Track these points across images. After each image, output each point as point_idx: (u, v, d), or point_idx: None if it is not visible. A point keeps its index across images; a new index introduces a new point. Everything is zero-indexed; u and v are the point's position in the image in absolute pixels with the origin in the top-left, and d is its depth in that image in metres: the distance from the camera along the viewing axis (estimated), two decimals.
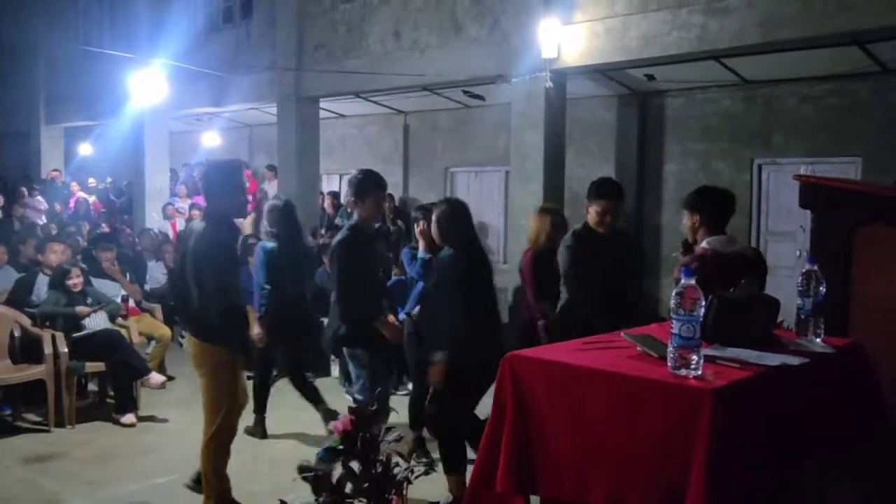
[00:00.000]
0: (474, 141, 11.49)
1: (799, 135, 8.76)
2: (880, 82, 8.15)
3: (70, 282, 5.98)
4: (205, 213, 3.77)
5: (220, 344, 3.66)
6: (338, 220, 11.80)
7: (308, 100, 10.99)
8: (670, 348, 2.17)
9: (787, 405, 2.28)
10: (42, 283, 6.32)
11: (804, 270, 2.70)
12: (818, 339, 2.64)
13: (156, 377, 5.88)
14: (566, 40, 7.99)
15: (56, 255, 6.48)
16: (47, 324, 5.81)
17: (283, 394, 6.66)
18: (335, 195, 12.78)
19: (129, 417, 5.64)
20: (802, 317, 2.68)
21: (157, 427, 5.66)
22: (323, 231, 11.01)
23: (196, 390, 6.60)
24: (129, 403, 5.75)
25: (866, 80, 8.20)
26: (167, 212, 11.97)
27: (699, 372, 2.13)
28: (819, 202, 3.45)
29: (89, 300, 6.16)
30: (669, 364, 2.16)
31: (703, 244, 3.48)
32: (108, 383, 6.09)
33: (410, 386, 6.59)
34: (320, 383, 6.95)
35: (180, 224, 11.65)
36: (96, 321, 5.97)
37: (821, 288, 2.66)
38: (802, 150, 8.74)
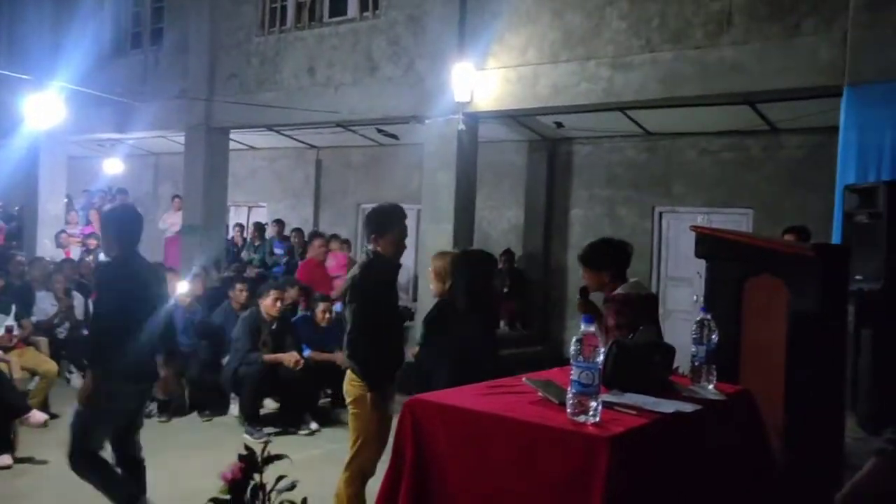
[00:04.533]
0: (387, 179, 11.52)
1: (697, 185, 9.22)
2: (770, 140, 8.71)
3: None
4: (368, 251, 4.02)
5: (362, 378, 3.82)
6: (244, 254, 11.53)
7: (218, 130, 10.76)
8: (570, 395, 2.18)
9: (682, 452, 2.33)
10: None
11: (698, 319, 2.80)
12: (710, 386, 2.73)
13: (37, 415, 5.48)
14: (479, 85, 8.16)
15: None
16: None
17: (180, 432, 6.37)
18: (243, 228, 12.51)
19: (3, 459, 5.22)
20: (696, 364, 2.77)
21: (34, 469, 5.27)
22: (226, 264, 10.72)
23: None
24: (4, 444, 5.33)
25: (758, 138, 8.74)
26: (60, 239, 11.36)
27: (597, 419, 2.15)
28: (713, 252, 3.61)
29: None
30: (568, 410, 2.18)
31: (620, 290, 3.59)
32: None
33: (313, 425, 6.45)
34: (218, 422, 6.72)
35: (74, 253, 11.08)
36: None
37: (713, 336, 2.76)
38: (700, 200, 9.19)
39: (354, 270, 3.98)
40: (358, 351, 3.84)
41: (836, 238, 5.72)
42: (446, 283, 4.81)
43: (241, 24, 10.47)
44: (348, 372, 3.95)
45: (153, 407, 6.84)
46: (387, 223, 3.95)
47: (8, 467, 5.21)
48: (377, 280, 3.91)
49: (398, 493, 2.30)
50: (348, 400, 3.94)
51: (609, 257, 3.72)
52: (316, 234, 9.50)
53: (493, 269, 4.43)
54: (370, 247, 3.99)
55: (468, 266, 4.22)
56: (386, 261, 3.98)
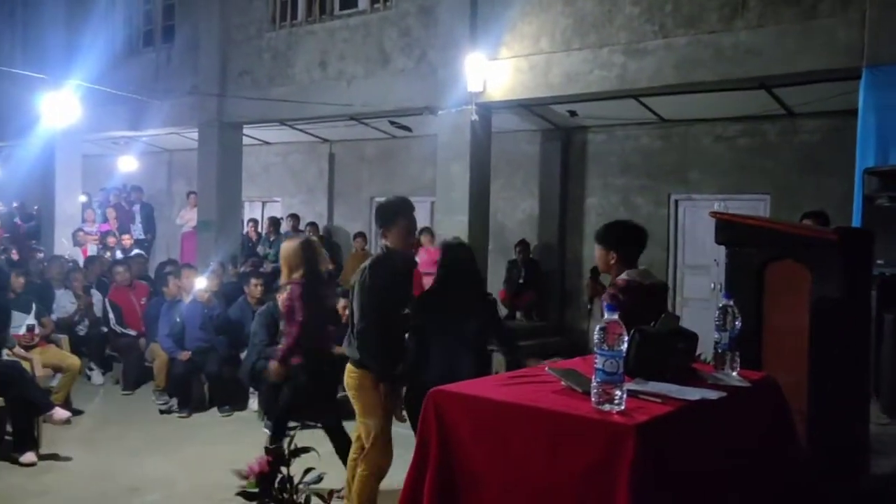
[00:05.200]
0: (400, 171, 11.50)
1: (712, 172, 9.13)
2: (787, 124, 8.61)
3: None
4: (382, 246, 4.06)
5: (363, 368, 3.85)
6: (259, 248, 11.58)
7: (231, 126, 10.79)
8: (594, 383, 2.17)
9: (707, 439, 2.31)
10: None
11: (720, 305, 2.77)
12: (734, 373, 2.70)
13: (60, 413, 5.53)
14: (492, 75, 8.12)
15: None
16: None
17: (200, 427, 6.41)
18: (257, 223, 12.55)
19: (28, 456, 5.29)
20: (719, 351, 2.74)
21: (58, 466, 5.33)
22: (242, 259, 10.76)
23: (102, 427, 6.31)
24: (29, 441, 5.39)
25: (774, 123, 8.64)
26: (77, 238, 11.45)
27: (622, 407, 2.13)
28: (733, 238, 3.57)
29: None
30: (593, 399, 2.16)
31: (624, 276, 3.54)
32: (7, 420, 5.70)
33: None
34: (238, 417, 6.76)
35: (91, 250, 11.17)
36: None
37: (736, 322, 2.73)
38: (716, 187, 9.11)
39: (366, 263, 3.99)
40: (368, 344, 3.83)
41: (856, 222, 5.66)
42: (294, 271, 4.81)
43: (252, 20, 10.48)
44: (348, 365, 3.97)
45: (173, 402, 6.91)
46: (393, 216, 3.96)
47: (33, 464, 5.27)
48: (388, 274, 3.90)
49: (423, 482, 2.30)
50: (350, 393, 3.94)
51: (619, 237, 3.68)
52: None
53: (470, 255, 4.40)
54: (383, 241, 4.01)
55: (447, 255, 4.24)
56: (398, 255, 3.98)
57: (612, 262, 3.63)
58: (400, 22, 9.09)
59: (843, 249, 3.24)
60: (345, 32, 9.57)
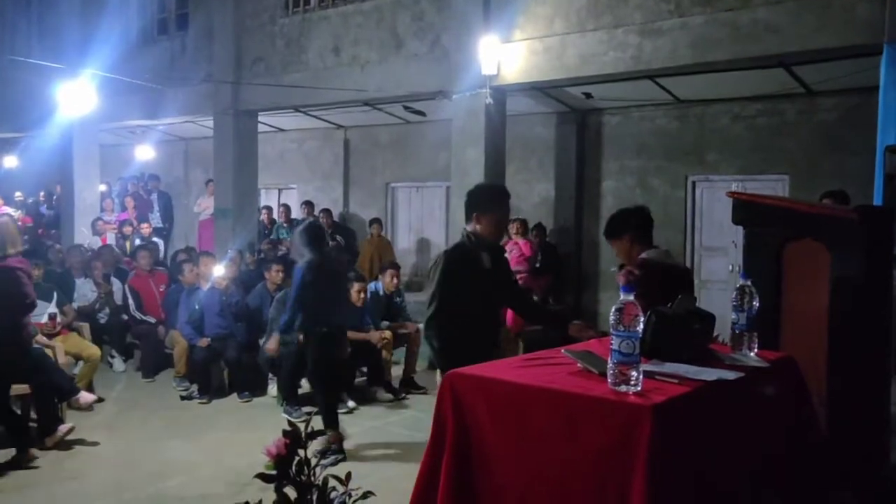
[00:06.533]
0: (415, 156, 11.49)
1: (730, 152, 9.04)
2: (806, 103, 8.49)
3: None
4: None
5: (435, 360, 3.81)
6: (274, 237, 11.64)
7: (246, 113, 10.81)
8: (610, 364, 2.17)
9: (725, 420, 2.31)
10: None
11: (738, 285, 2.75)
12: (752, 354, 2.69)
13: (86, 396, 5.68)
14: (506, 58, 8.07)
15: None
16: None
17: (220, 413, 6.48)
18: (271, 210, 12.60)
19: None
20: (737, 331, 2.73)
21: (83, 451, 5.41)
22: (260, 246, 10.81)
23: (125, 413, 6.39)
24: (53, 421, 5.48)
25: (793, 101, 8.53)
26: (97, 227, 11.56)
27: (639, 388, 2.13)
28: (751, 218, 3.53)
29: None
30: (609, 380, 2.16)
31: (644, 254, 3.54)
32: (32, 406, 5.79)
33: (350, 404, 6.51)
34: (257, 403, 6.83)
35: (110, 239, 11.28)
36: None
37: (754, 302, 2.71)
38: (734, 168, 9.02)
39: (447, 248, 3.83)
40: (431, 331, 3.65)
41: (877, 201, 5.59)
42: None
43: (266, 6, 10.47)
44: None
45: (194, 389, 6.98)
46: (490, 202, 3.81)
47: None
48: (466, 260, 3.70)
49: (440, 465, 2.31)
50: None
51: (625, 221, 3.70)
52: None
53: None
54: (469, 226, 3.83)
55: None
56: (485, 244, 3.80)
57: (628, 245, 3.64)
58: (413, 6, 9.04)
59: (864, 228, 3.19)
60: (358, 17, 9.53)
